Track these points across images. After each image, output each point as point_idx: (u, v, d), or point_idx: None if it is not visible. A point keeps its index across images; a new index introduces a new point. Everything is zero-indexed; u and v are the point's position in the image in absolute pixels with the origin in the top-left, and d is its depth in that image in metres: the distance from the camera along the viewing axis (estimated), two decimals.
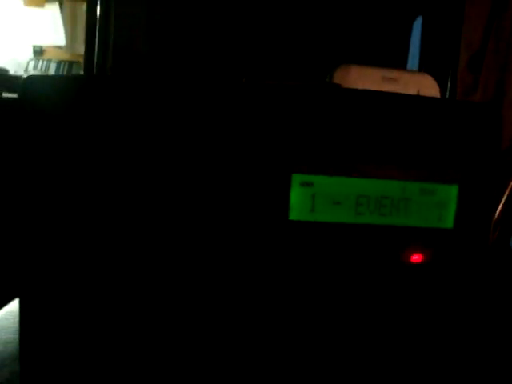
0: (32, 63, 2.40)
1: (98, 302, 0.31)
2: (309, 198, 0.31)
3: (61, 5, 2.19)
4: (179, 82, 0.31)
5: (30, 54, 2.41)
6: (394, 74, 0.60)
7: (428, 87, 0.60)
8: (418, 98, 0.34)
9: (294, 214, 0.31)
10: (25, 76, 0.31)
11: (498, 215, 0.45)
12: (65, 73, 2.27)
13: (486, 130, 0.32)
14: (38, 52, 2.42)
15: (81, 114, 0.30)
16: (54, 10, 2.18)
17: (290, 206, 0.31)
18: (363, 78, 0.58)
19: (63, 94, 0.30)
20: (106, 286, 0.31)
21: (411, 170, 0.32)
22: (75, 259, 0.30)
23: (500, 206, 0.44)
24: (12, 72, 1.93)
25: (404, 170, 0.32)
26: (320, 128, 0.31)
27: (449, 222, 0.33)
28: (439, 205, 0.32)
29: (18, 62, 2.31)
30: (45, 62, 2.38)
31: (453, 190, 0.32)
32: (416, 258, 0.33)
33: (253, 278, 0.32)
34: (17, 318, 0.31)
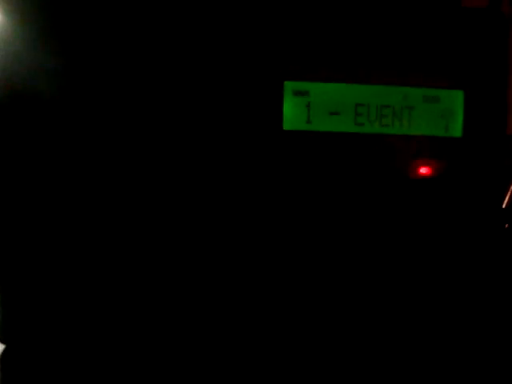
0: None
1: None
2: (304, 107, 0.30)
3: None
4: None
5: None
6: None
7: None
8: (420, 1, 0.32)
9: (289, 124, 0.29)
10: None
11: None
12: None
13: (492, 34, 0.31)
14: None
15: None
16: None
17: (284, 116, 0.29)
18: None
19: None
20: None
21: (413, 75, 0.30)
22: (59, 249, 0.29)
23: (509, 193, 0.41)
24: None
25: (405, 75, 0.30)
26: (314, 30, 0.29)
27: (457, 131, 0.30)
28: (445, 112, 0.30)
29: None
30: None
31: (458, 96, 0.30)
32: (424, 170, 0.30)
33: (248, 192, 0.29)
34: None
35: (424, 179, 0.30)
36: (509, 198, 0.42)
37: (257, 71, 0.29)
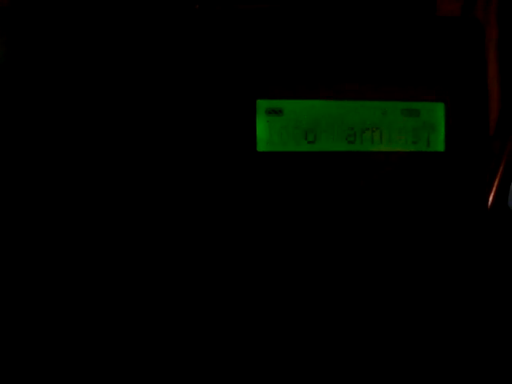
0: None
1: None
2: (277, 126, 0.28)
3: None
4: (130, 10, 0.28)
5: None
6: None
7: None
8: (396, 13, 0.31)
9: (263, 145, 0.28)
10: None
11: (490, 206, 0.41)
12: None
13: (468, 43, 0.29)
14: None
15: None
16: None
17: (258, 136, 0.28)
18: None
19: None
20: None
21: (391, 89, 0.28)
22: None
23: (492, 193, 0.40)
24: None
25: (383, 89, 0.28)
26: (286, 45, 0.28)
27: (439, 145, 0.29)
28: (426, 126, 0.29)
29: None
30: None
31: (439, 109, 0.29)
32: (406, 188, 0.29)
33: (221, 220, 0.28)
34: None
35: (406, 197, 0.29)
36: (492, 199, 0.41)
37: (227, 90, 0.27)
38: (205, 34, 0.27)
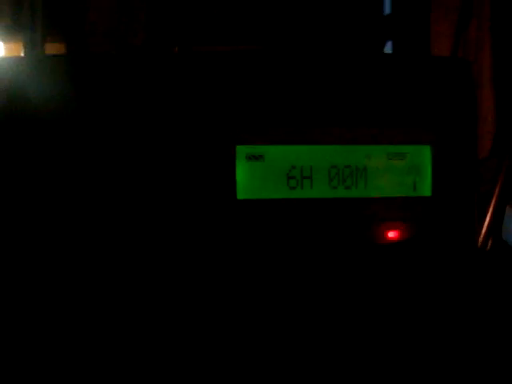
0: None
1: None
2: (258, 173, 0.27)
3: None
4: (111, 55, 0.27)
5: None
6: None
7: None
8: (380, 53, 0.30)
9: (243, 193, 0.27)
10: None
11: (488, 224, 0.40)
12: None
13: (458, 86, 0.28)
14: None
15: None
16: None
17: (237, 184, 0.27)
18: None
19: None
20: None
21: (375, 132, 0.28)
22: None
23: (488, 214, 0.40)
24: None
25: (367, 133, 0.28)
26: (267, 88, 0.27)
27: (426, 190, 0.28)
28: (412, 170, 0.28)
29: None
30: None
31: (425, 152, 0.28)
32: (392, 234, 0.28)
33: (201, 268, 0.27)
34: None
35: (393, 244, 0.28)
36: (485, 233, 0.40)
37: (206, 136, 0.27)
38: (183, 78, 0.27)
